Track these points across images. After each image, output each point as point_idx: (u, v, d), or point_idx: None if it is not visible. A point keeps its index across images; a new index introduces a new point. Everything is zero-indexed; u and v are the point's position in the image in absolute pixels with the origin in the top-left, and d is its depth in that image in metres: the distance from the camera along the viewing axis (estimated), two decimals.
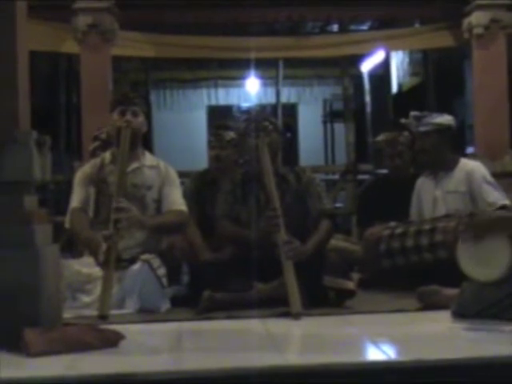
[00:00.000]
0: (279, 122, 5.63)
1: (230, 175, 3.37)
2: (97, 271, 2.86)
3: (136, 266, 2.85)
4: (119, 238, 2.83)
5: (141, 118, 3.14)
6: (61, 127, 7.71)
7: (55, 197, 6.32)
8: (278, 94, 8.39)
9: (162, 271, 2.87)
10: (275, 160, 3.13)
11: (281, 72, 8.22)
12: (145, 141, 3.27)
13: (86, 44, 5.48)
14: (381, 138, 3.88)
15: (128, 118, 3.08)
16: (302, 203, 3.14)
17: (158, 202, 3.12)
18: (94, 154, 3.71)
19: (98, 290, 2.78)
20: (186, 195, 3.32)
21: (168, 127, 10.17)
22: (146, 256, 2.88)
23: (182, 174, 3.39)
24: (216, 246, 3.35)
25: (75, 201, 3.10)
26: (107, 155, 3.22)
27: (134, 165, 3.13)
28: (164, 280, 2.87)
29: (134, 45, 6.10)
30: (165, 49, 6.31)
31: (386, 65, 8.44)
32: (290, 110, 10.61)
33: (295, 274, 2.73)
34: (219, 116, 9.84)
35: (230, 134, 3.59)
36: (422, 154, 3.45)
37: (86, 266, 2.91)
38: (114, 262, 2.77)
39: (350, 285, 2.85)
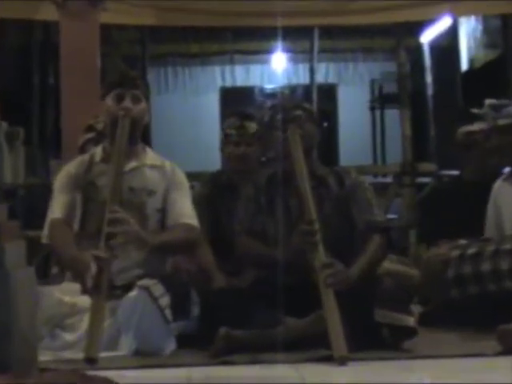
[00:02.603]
0: (314, 108, 5.63)
1: (253, 178, 3.38)
2: (83, 300, 2.87)
3: (133, 294, 2.87)
4: (113, 257, 2.85)
5: (143, 105, 3.16)
6: (33, 115, 7.80)
7: (27, 205, 6.38)
8: (312, 73, 8.41)
9: (165, 301, 2.88)
10: (310, 158, 3.14)
11: (316, 44, 8.24)
12: (142, 134, 3.30)
13: (68, 9, 5.54)
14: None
15: (127, 104, 3.10)
16: (345, 214, 3.15)
17: (162, 211, 3.15)
18: (83, 149, 3.75)
19: (84, 324, 2.80)
20: (195, 203, 3.34)
21: (170, 115, 10.25)
22: (145, 281, 2.89)
23: (189, 176, 3.41)
24: (234, 270, 3.36)
25: (56, 210, 3.13)
26: (98, 151, 3.24)
27: (132, 164, 3.16)
28: (168, 312, 2.88)
29: (129, 10, 6.14)
30: (166, 15, 6.36)
31: (453, 34, 8.43)
32: (328, 93, 10.63)
33: (338, 306, 2.74)
34: (236, 101, 9.90)
35: (253, 126, 3.61)
36: (501, 154, 3.44)
37: (68, 294, 2.93)
38: (105, 289, 2.78)
39: (410, 321, 2.84)
